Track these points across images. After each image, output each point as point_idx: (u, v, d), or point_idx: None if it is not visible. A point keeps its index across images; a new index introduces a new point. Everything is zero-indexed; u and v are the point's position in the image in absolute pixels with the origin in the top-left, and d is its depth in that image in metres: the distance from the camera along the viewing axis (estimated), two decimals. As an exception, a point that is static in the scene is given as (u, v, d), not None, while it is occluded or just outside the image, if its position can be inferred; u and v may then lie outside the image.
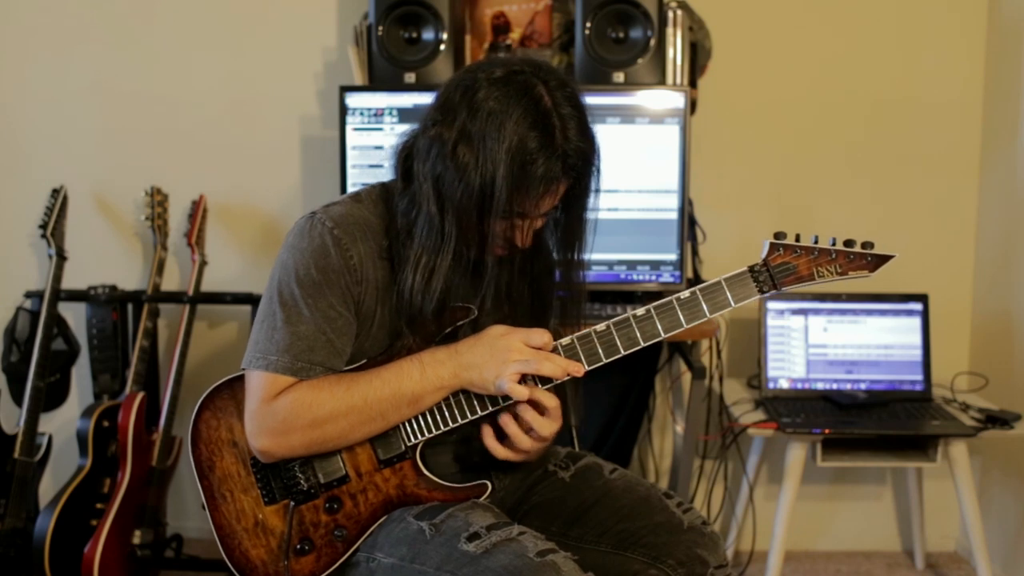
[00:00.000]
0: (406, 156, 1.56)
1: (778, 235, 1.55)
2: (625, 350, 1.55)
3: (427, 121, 1.51)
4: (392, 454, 1.58)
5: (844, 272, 1.55)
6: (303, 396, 1.50)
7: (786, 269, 1.55)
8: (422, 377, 1.52)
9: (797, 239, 1.55)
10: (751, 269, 1.55)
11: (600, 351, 1.55)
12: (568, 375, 1.52)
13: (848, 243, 1.55)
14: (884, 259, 1.55)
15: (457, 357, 1.52)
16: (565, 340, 1.55)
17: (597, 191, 1.57)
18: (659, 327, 1.55)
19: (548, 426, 1.55)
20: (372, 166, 2.55)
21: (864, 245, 1.55)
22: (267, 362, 1.51)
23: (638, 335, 1.55)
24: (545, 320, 1.66)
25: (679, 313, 1.55)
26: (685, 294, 1.55)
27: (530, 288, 1.66)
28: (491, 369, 1.50)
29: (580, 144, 1.48)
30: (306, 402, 1.50)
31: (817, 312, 2.75)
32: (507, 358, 1.50)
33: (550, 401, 1.54)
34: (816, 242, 1.56)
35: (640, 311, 1.55)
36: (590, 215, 1.59)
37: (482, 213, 1.46)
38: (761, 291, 1.55)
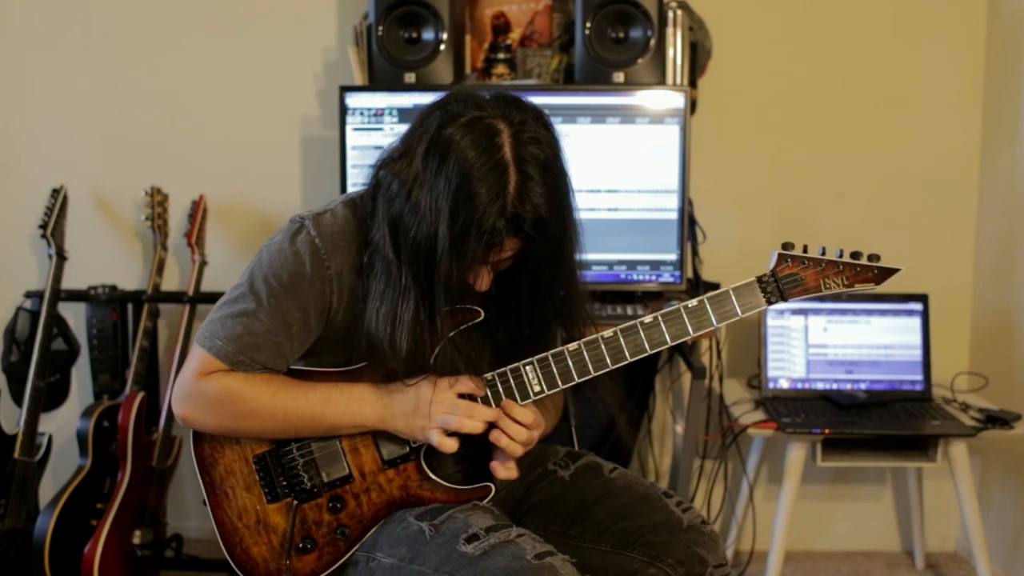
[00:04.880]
0: (377, 179, 1.53)
1: (786, 245, 1.56)
2: (631, 357, 1.55)
3: (396, 148, 1.49)
4: (396, 455, 1.58)
5: (851, 284, 1.56)
6: (233, 387, 1.52)
7: (793, 280, 1.55)
8: (346, 411, 1.54)
9: (805, 250, 1.56)
10: (759, 280, 1.56)
11: (607, 357, 1.55)
12: (488, 424, 1.53)
13: (855, 255, 1.56)
14: (889, 272, 1.56)
15: (386, 402, 1.54)
16: (572, 346, 1.55)
17: (561, 252, 1.51)
18: (666, 335, 1.55)
19: (528, 435, 1.55)
20: (372, 166, 2.54)
21: (871, 257, 1.56)
22: (213, 344, 1.53)
23: (644, 342, 1.55)
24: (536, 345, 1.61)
25: (686, 321, 1.55)
26: (693, 302, 1.55)
27: (511, 330, 1.60)
28: (416, 421, 1.53)
29: (536, 207, 1.41)
30: (234, 394, 1.52)
31: (817, 312, 2.74)
32: (432, 411, 1.51)
33: (525, 418, 1.55)
34: (823, 253, 1.56)
35: (647, 318, 1.55)
36: (561, 270, 1.54)
37: (430, 264, 1.43)
38: (768, 302, 1.55)
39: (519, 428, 1.54)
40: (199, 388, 1.53)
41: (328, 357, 1.60)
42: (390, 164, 1.48)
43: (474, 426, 1.52)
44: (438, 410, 1.52)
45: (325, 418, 1.54)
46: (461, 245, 1.41)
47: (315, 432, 1.56)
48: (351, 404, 1.54)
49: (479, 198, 1.39)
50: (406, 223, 1.43)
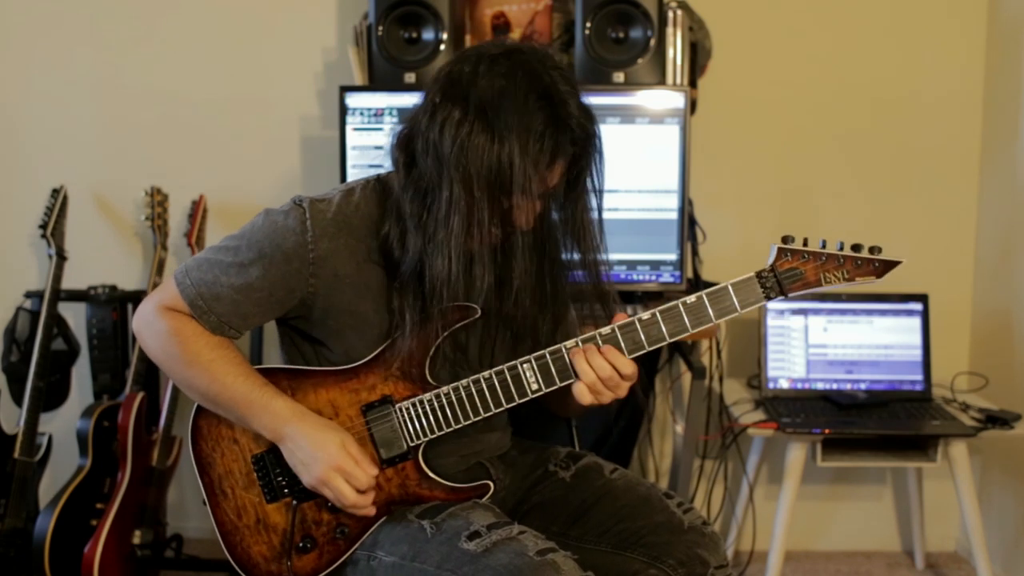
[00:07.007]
0: (406, 145, 1.53)
1: (786, 239, 1.54)
2: (630, 354, 1.54)
3: (428, 107, 1.49)
4: (394, 454, 1.58)
5: (851, 278, 1.53)
6: (182, 332, 1.56)
7: (793, 275, 1.53)
8: (260, 414, 1.55)
9: (805, 243, 1.54)
10: (758, 275, 1.53)
11: None
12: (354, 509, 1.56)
13: (856, 247, 1.53)
14: (891, 265, 1.53)
15: (289, 434, 1.54)
16: (570, 343, 1.54)
17: (600, 173, 1.56)
18: (664, 331, 1.54)
19: (611, 374, 1.54)
20: (372, 166, 2.55)
21: (872, 250, 1.53)
22: (183, 283, 1.57)
23: (643, 339, 1.54)
24: (558, 312, 1.64)
25: (684, 317, 1.54)
26: (691, 299, 1.53)
27: (539, 282, 1.62)
28: (303, 471, 1.54)
29: (582, 118, 1.49)
30: (180, 339, 1.56)
31: (817, 312, 2.75)
32: (321, 477, 1.52)
33: (616, 360, 1.53)
34: (824, 246, 1.54)
35: (645, 315, 1.54)
36: (595, 204, 1.58)
37: (502, 191, 1.46)
38: (767, 297, 1.53)
39: (602, 362, 1.52)
40: (156, 318, 1.58)
41: (360, 346, 1.59)
42: (429, 116, 1.48)
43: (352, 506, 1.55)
44: (327, 481, 1.52)
45: (239, 408, 1.56)
46: (531, 168, 1.44)
47: (231, 414, 1.58)
48: (263, 414, 1.55)
49: (540, 119, 1.44)
50: (475, 156, 1.44)
